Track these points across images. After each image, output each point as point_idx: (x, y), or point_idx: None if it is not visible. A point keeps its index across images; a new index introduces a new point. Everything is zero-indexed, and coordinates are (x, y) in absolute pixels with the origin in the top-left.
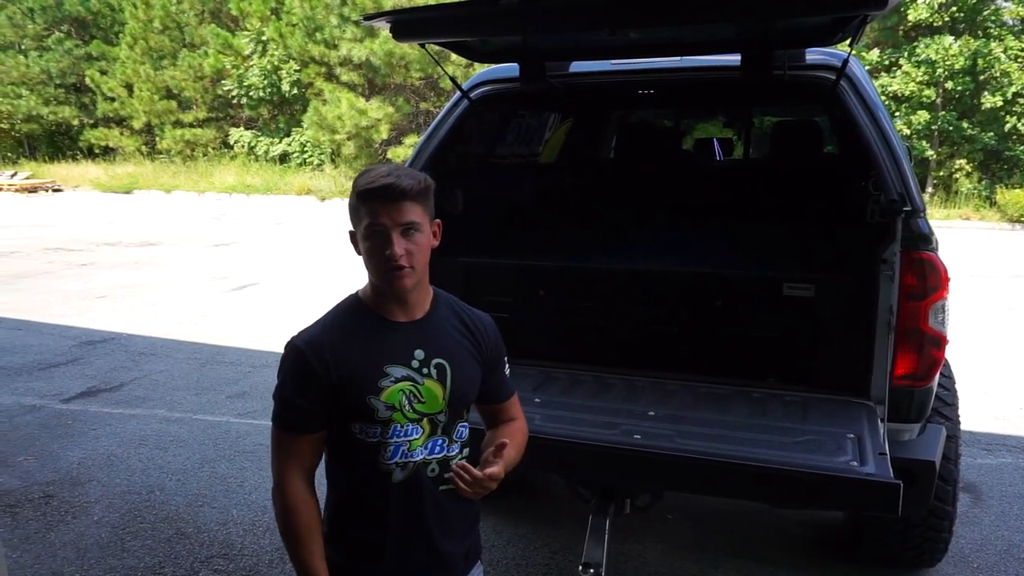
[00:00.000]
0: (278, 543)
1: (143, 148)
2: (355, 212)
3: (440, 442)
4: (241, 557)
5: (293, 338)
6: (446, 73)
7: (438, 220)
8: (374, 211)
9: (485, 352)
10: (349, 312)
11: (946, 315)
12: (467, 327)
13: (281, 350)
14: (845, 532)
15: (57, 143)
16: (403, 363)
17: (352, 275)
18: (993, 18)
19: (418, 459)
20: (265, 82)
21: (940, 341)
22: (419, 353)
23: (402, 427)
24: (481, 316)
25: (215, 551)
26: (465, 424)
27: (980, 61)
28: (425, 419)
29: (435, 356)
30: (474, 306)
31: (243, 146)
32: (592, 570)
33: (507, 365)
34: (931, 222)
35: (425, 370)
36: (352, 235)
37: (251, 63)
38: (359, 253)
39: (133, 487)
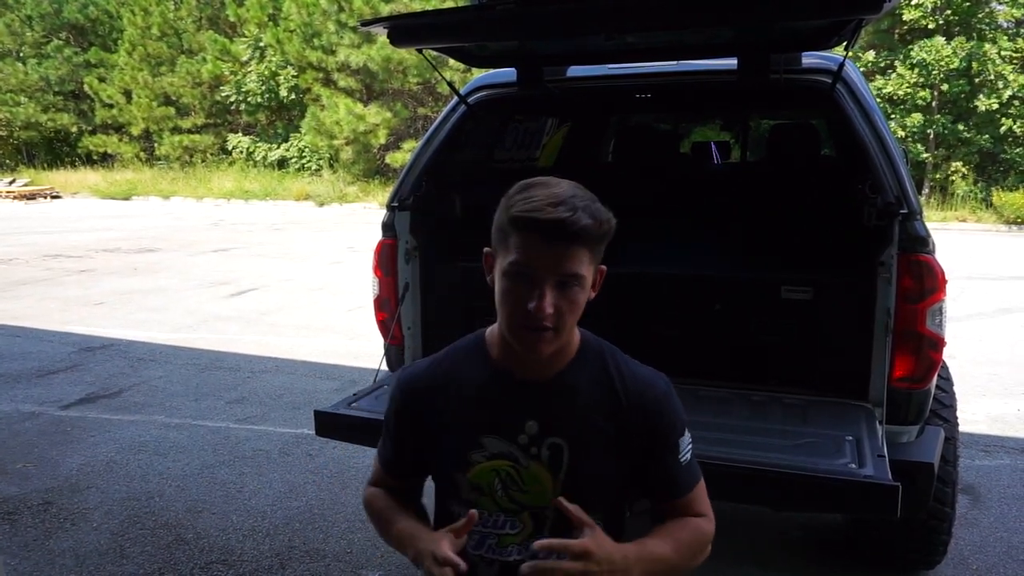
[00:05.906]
0: (278, 548)
1: (141, 154)
2: (502, 236)
3: None
4: (241, 563)
5: (400, 370)
6: (443, 78)
7: (603, 267)
8: (528, 247)
9: (633, 435)
10: (465, 353)
11: (943, 317)
12: (615, 398)
13: (280, 355)
14: (845, 535)
15: (56, 150)
16: (506, 436)
17: (351, 281)
18: (987, 21)
19: (510, 559)
20: (263, 88)
21: (938, 343)
22: (531, 426)
23: (491, 516)
24: (643, 383)
25: (215, 557)
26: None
27: (975, 64)
28: (526, 512)
29: (552, 434)
30: (472, 312)
31: (241, 152)
32: None
33: (686, 448)
34: (928, 224)
35: (534, 450)
36: (487, 256)
37: (249, 69)
38: (490, 284)
39: (132, 493)
